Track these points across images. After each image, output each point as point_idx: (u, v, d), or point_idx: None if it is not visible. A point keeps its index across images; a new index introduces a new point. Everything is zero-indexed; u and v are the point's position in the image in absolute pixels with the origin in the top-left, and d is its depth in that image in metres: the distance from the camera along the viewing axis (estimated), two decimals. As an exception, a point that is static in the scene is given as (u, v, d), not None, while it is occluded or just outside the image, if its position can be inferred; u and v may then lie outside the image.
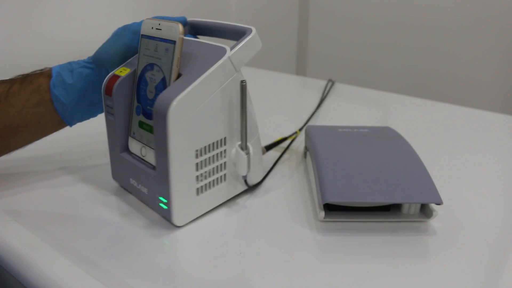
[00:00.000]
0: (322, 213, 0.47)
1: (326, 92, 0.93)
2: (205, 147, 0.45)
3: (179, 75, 0.44)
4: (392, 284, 0.40)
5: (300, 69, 1.76)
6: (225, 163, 0.48)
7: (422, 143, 0.61)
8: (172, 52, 0.44)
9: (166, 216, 0.46)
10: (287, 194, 0.54)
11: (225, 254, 0.43)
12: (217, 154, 0.47)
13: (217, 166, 0.47)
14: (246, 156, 0.48)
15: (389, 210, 0.49)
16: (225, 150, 0.47)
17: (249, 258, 0.43)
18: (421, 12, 1.44)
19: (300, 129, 0.66)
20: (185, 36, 0.52)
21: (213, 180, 0.48)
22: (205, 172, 0.46)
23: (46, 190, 0.54)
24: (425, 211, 0.48)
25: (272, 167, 0.60)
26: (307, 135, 0.62)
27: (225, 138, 0.47)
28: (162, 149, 0.42)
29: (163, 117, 0.41)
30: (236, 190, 0.51)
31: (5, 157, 0.53)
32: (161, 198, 0.45)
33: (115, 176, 0.54)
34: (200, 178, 0.46)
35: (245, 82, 0.45)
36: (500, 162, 0.64)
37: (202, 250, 0.43)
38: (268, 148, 0.62)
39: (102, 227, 0.47)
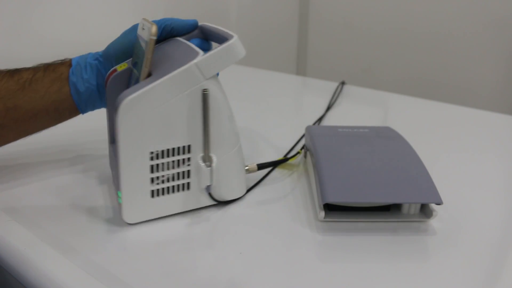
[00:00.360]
0: (322, 213, 0.47)
1: (336, 94, 0.93)
2: (162, 151, 0.45)
3: (150, 75, 0.44)
4: (392, 284, 0.40)
5: (300, 71, 1.76)
6: (188, 171, 0.47)
7: (422, 143, 0.61)
8: (144, 53, 0.44)
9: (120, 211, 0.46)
10: (287, 194, 0.54)
11: (225, 254, 0.43)
12: (178, 160, 0.46)
13: (178, 173, 0.46)
14: (207, 168, 0.46)
15: (389, 210, 0.49)
16: (188, 158, 0.46)
17: (249, 258, 0.43)
18: (420, 15, 1.44)
19: (302, 148, 0.62)
20: (189, 40, 0.52)
21: (174, 186, 0.47)
22: (163, 176, 0.46)
23: (46, 187, 0.54)
24: (425, 211, 0.48)
25: (255, 184, 0.56)
26: (307, 135, 0.62)
27: (189, 146, 0.46)
28: (117, 144, 0.44)
29: (116, 112, 0.42)
30: (202, 203, 0.49)
31: (4, 150, 0.53)
32: (118, 193, 0.46)
33: (110, 164, 0.56)
34: (156, 181, 0.45)
35: (207, 91, 0.44)
36: (500, 162, 0.64)
37: (201, 250, 0.43)
38: (262, 166, 0.56)
39: (101, 225, 0.47)
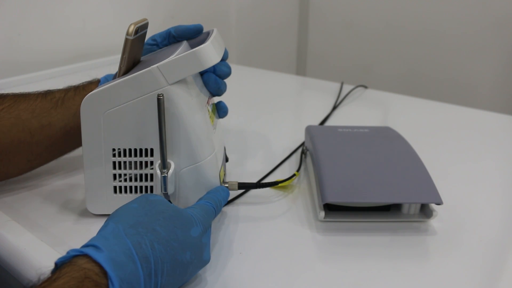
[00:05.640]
0: (322, 213, 0.47)
1: (343, 95, 0.93)
2: (125, 149, 0.45)
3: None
4: (392, 284, 0.40)
5: (300, 71, 1.76)
6: (151, 175, 0.46)
7: (422, 143, 0.61)
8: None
9: None
10: (287, 194, 0.54)
11: (225, 254, 0.43)
12: (140, 162, 0.46)
13: (141, 174, 0.46)
14: (161, 176, 0.44)
15: (389, 210, 0.49)
16: (151, 162, 0.46)
17: (249, 258, 0.43)
18: (420, 15, 1.44)
19: (298, 170, 0.57)
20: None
21: (137, 187, 0.46)
22: (125, 174, 0.46)
23: (46, 188, 0.54)
24: (425, 211, 0.48)
25: (233, 199, 0.53)
26: (307, 135, 0.62)
27: (152, 149, 0.45)
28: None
29: None
30: None
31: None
32: None
33: None
34: (118, 177, 0.46)
35: (161, 96, 0.42)
36: (500, 162, 0.64)
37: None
38: (248, 186, 0.51)
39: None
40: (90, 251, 0.31)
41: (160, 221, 0.36)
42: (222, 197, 0.46)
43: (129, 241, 0.33)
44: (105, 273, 0.31)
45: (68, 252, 0.32)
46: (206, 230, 0.39)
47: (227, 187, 0.49)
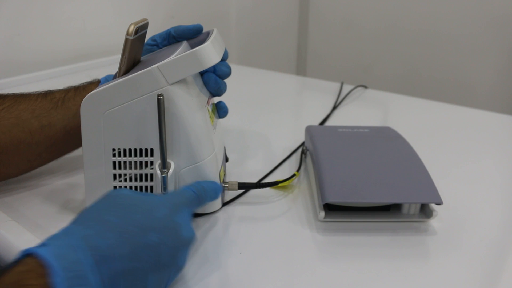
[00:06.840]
0: (322, 213, 0.47)
1: (343, 95, 0.93)
2: (125, 149, 0.45)
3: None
4: (392, 284, 0.40)
5: (300, 71, 1.76)
6: (152, 175, 0.46)
7: (422, 143, 0.61)
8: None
9: None
10: (287, 194, 0.54)
11: (225, 253, 0.43)
12: (141, 162, 0.46)
13: (141, 175, 0.46)
14: (161, 176, 0.44)
15: (389, 210, 0.49)
16: (151, 162, 0.45)
17: (249, 258, 0.43)
18: (420, 14, 1.44)
19: (298, 170, 0.57)
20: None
21: (137, 187, 0.46)
22: (125, 174, 0.46)
23: (47, 188, 0.54)
24: (425, 211, 0.48)
25: (233, 199, 0.52)
26: (307, 135, 0.62)
27: (152, 149, 0.45)
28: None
29: None
30: None
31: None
32: None
33: None
34: (118, 178, 0.46)
35: (161, 96, 0.42)
36: (500, 162, 0.64)
37: (201, 250, 0.44)
38: (248, 186, 0.51)
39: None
40: (36, 248, 0.32)
41: (113, 212, 0.36)
42: (207, 185, 0.45)
43: (77, 235, 0.34)
44: (49, 265, 0.31)
45: (18, 253, 0.33)
46: (178, 210, 0.38)
47: (226, 186, 0.49)
